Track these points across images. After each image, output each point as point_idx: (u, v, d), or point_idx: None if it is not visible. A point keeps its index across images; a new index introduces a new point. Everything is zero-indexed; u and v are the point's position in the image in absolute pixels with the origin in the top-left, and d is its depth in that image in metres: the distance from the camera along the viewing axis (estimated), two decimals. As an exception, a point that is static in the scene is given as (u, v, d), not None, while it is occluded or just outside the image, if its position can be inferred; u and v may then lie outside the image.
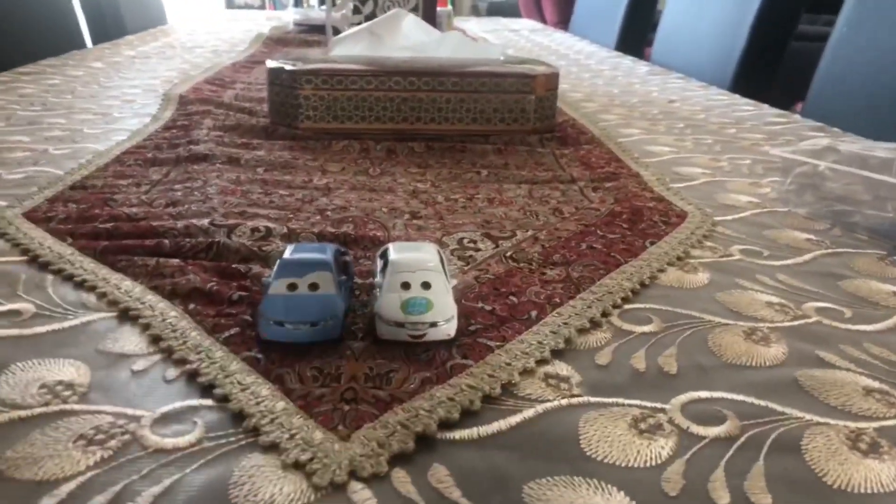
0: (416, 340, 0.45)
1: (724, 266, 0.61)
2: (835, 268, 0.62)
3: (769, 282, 0.58)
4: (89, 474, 0.34)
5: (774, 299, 0.55)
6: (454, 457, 0.36)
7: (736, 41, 1.88)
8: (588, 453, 0.37)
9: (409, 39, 1.19)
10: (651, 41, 2.39)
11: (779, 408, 0.41)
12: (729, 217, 0.74)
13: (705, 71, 1.86)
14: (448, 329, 0.45)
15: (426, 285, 0.45)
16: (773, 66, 1.89)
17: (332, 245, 0.49)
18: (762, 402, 0.41)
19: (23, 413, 0.38)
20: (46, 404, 0.39)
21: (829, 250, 0.66)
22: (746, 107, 1.40)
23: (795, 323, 0.51)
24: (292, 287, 0.45)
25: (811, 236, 0.70)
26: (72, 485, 0.33)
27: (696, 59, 2.04)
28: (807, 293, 0.57)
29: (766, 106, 1.41)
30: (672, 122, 1.23)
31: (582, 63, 2.02)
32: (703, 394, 0.42)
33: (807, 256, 0.64)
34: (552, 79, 1.06)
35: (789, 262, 0.63)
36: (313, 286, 0.45)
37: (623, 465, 0.36)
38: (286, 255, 0.48)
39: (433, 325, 0.44)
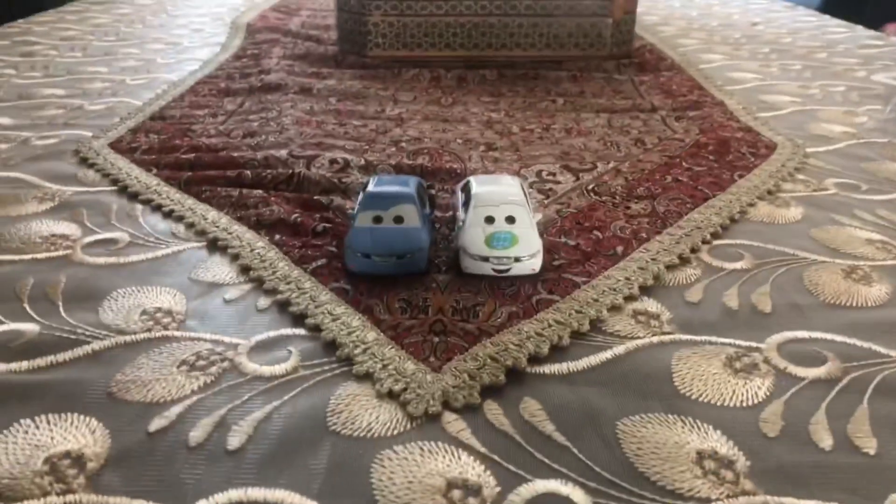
0: (501, 275, 0.44)
1: (819, 201, 0.58)
2: (941, 203, 0.58)
3: (869, 217, 0.55)
4: (194, 398, 0.35)
5: (875, 236, 0.52)
6: (545, 391, 0.36)
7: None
8: (682, 391, 0.36)
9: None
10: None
11: (883, 350, 0.39)
12: (822, 148, 0.70)
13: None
14: (533, 264, 0.44)
15: (510, 219, 0.45)
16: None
17: (414, 178, 0.49)
18: (865, 344, 0.40)
19: (128, 338, 0.40)
20: (149, 330, 0.41)
21: (935, 184, 0.62)
22: (838, 28, 1.30)
23: (899, 262, 0.49)
24: (377, 220, 0.45)
25: (914, 169, 0.65)
26: (179, 407, 0.35)
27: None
28: (911, 230, 0.53)
29: (860, 27, 1.31)
30: (756, 47, 1.16)
31: (656, -17, 1.91)
32: (801, 333, 0.41)
33: (910, 191, 0.61)
34: (631, 1, 1.01)
35: (891, 196, 0.59)
36: (398, 219, 0.45)
37: (719, 403, 0.35)
38: (370, 187, 0.47)
39: (518, 259, 0.44)
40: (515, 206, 0.46)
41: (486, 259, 0.44)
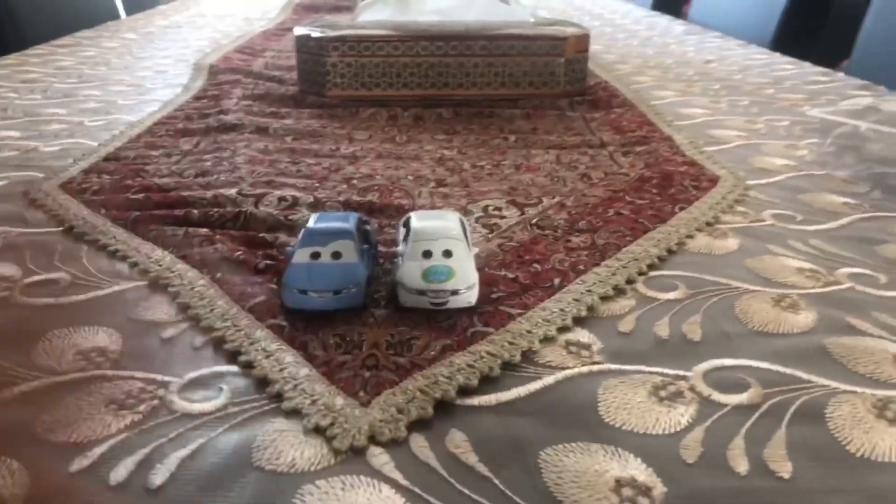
0: (437, 308, 0.45)
1: (755, 231, 0.60)
2: (872, 232, 0.60)
3: (801, 247, 0.57)
4: (120, 437, 0.35)
5: (806, 265, 0.54)
6: (472, 423, 0.36)
7: (778, -4, 1.81)
8: (606, 420, 0.37)
9: (436, 3, 1.17)
10: (690, -1, 2.31)
11: (805, 376, 0.40)
12: (763, 181, 0.72)
13: (746, 29, 1.80)
14: (469, 297, 0.45)
15: (447, 253, 0.45)
16: (817, 23, 1.82)
17: (354, 214, 0.50)
18: (787, 370, 0.41)
19: (59, 378, 0.40)
20: (81, 370, 0.41)
21: (868, 214, 0.64)
22: (787, 66, 1.35)
23: (827, 289, 0.50)
24: (315, 256, 0.45)
25: (849, 200, 0.68)
26: (104, 447, 0.35)
27: (737, 17, 1.97)
28: (840, 259, 0.55)
29: (807, 64, 1.36)
30: (708, 84, 1.19)
31: (617, 23, 1.97)
32: (727, 361, 0.42)
33: (843, 221, 0.63)
34: (583, 40, 1.04)
35: (824, 226, 0.61)
36: (336, 255, 0.45)
37: (641, 432, 0.36)
38: (310, 224, 0.48)
39: (454, 292, 0.44)
40: (453, 240, 0.47)
41: (422, 293, 0.45)
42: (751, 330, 0.45)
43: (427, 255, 0.46)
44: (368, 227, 0.51)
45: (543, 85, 1.02)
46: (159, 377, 0.40)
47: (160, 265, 0.52)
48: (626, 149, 0.81)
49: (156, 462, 0.34)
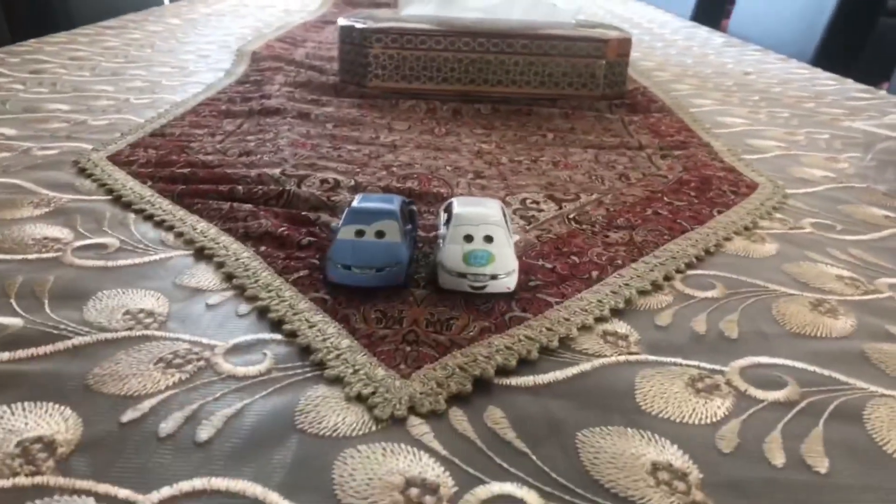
0: (476, 291, 0.45)
1: (794, 238, 0.60)
2: (912, 246, 0.60)
3: (840, 255, 0.57)
4: (168, 393, 0.36)
5: (845, 273, 0.54)
6: (510, 401, 0.37)
7: (820, 15, 1.79)
8: (643, 407, 0.37)
9: (480, 0, 1.18)
10: (729, 13, 2.29)
11: (842, 377, 0.40)
12: (802, 190, 0.72)
13: (786, 45, 1.78)
14: (508, 282, 0.46)
15: (488, 239, 0.46)
16: (859, 43, 1.80)
17: (399, 196, 0.51)
18: (825, 372, 0.41)
19: (109, 335, 0.41)
20: (130, 329, 0.42)
21: (908, 228, 0.64)
22: (828, 81, 1.34)
23: (866, 297, 0.50)
24: (360, 234, 0.46)
25: (889, 213, 0.67)
26: (153, 401, 0.36)
27: (776, 32, 1.96)
28: (880, 269, 0.55)
29: (849, 81, 1.35)
30: (747, 95, 1.19)
31: (655, 32, 1.96)
32: (764, 359, 0.42)
33: (884, 233, 0.62)
34: (624, 44, 1.04)
35: (864, 237, 0.61)
36: (380, 234, 0.46)
37: (678, 420, 0.36)
38: (355, 203, 0.49)
39: (493, 277, 0.45)
40: (494, 226, 0.47)
41: (462, 275, 0.45)
42: (788, 331, 0.45)
43: (468, 239, 0.46)
44: (413, 209, 0.52)
45: (583, 86, 1.03)
46: (205, 340, 0.41)
47: (205, 236, 0.53)
48: (664, 152, 0.81)
49: (202, 418, 0.35)
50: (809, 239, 0.60)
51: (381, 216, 0.47)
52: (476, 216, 0.48)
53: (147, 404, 0.35)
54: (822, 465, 0.33)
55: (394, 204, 0.48)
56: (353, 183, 0.64)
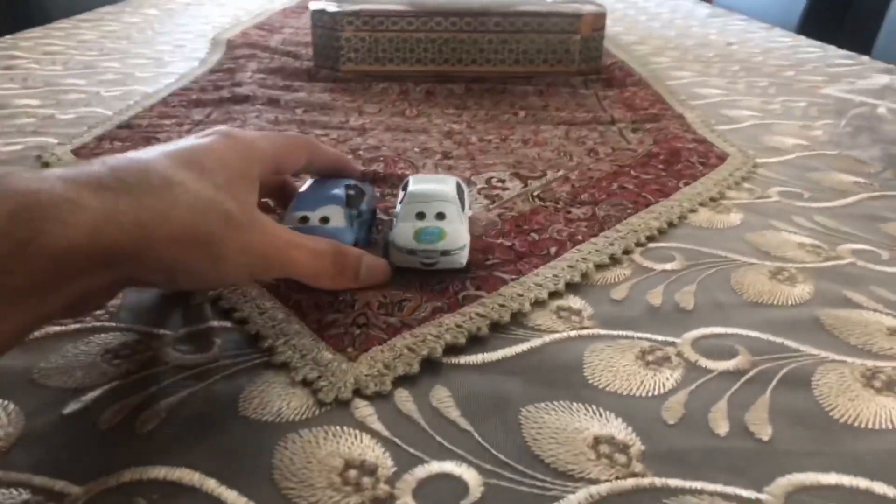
0: (428, 268, 0.45)
1: (760, 207, 0.59)
2: (880, 210, 0.59)
3: (805, 223, 0.56)
4: (114, 384, 0.36)
5: (808, 240, 0.53)
6: (457, 380, 0.37)
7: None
8: (590, 381, 0.37)
9: (453, -21, 1.16)
10: (716, -18, 2.27)
11: (794, 345, 0.40)
12: (773, 159, 0.71)
13: (771, 13, 1.77)
14: (459, 258, 0.45)
15: (440, 216, 0.46)
16: (842, 9, 1.78)
17: (346, 180, 0.50)
18: (778, 339, 0.41)
19: (58, 328, 0.41)
20: (81, 321, 0.42)
21: (877, 193, 0.63)
22: (810, 48, 1.33)
23: (827, 264, 0.50)
24: (304, 220, 0.46)
25: (859, 179, 0.67)
26: (97, 392, 0.36)
27: (762, 2, 1.94)
28: (844, 235, 0.54)
29: (832, 48, 1.33)
30: (726, 65, 1.18)
31: (640, 6, 1.94)
32: (718, 329, 0.42)
33: (850, 199, 0.62)
34: (599, 18, 1.03)
35: (830, 203, 0.60)
36: (324, 219, 0.46)
37: (624, 393, 0.36)
38: (301, 189, 0.49)
39: (444, 253, 0.45)
40: (446, 202, 0.47)
41: (413, 252, 0.45)
42: (745, 300, 0.45)
43: (420, 216, 0.46)
44: (366, 190, 0.51)
45: (558, 62, 1.02)
46: (155, 330, 0.41)
47: (164, 226, 0.53)
48: (636, 125, 0.81)
49: (146, 409, 0.35)
50: (775, 208, 0.59)
51: (326, 201, 0.47)
52: (428, 193, 0.47)
53: (90, 396, 0.35)
54: (765, 433, 0.33)
55: (339, 188, 0.48)
56: (316, 168, 0.64)
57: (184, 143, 0.36)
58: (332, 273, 0.42)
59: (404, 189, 0.50)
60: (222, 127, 0.40)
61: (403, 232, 0.45)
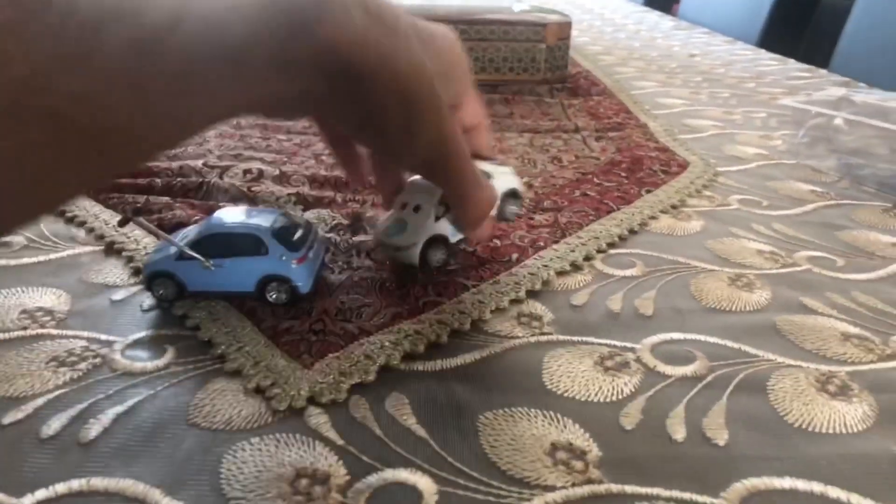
0: (394, 260, 0.45)
1: (720, 215, 0.60)
2: (835, 219, 0.60)
3: (764, 231, 0.57)
4: (57, 392, 0.35)
5: (766, 247, 0.54)
6: (414, 387, 0.36)
7: (766, -3, 1.81)
8: (549, 387, 0.37)
9: (420, -13, 1.17)
10: (680, -4, 2.31)
11: (751, 350, 0.40)
12: (733, 168, 0.72)
13: (732, 27, 1.80)
14: (409, 256, 0.44)
15: (416, 208, 0.45)
16: (801, 27, 1.82)
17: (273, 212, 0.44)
18: (735, 345, 0.41)
19: (1, 336, 0.39)
20: (24, 328, 0.40)
21: (833, 202, 0.64)
22: (770, 61, 1.36)
23: (784, 270, 0.50)
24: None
25: (816, 188, 0.68)
26: (39, 401, 0.34)
27: (724, 15, 1.98)
28: (801, 242, 0.55)
29: (791, 61, 1.36)
30: (689, 76, 1.20)
31: (606, 17, 1.97)
32: (676, 335, 0.42)
33: (808, 207, 0.63)
34: (565, 27, 1.04)
35: (788, 212, 0.61)
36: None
37: (583, 399, 0.36)
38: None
39: (397, 249, 0.44)
40: (427, 195, 0.45)
41: (380, 244, 0.45)
42: (704, 306, 0.45)
43: (402, 207, 0.45)
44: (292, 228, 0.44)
45: (524, 71, 1.02)
46: (104, 337, 0.40)
47: (116, 230, 0.52)
48: (599, 134, 0.81)
49: (90, 417, 0.33)
50: (734, 215, 0.60)
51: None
52: (417, 184, 0.46)
53: (32, 405, 0.34)
54: (722, 438, 0.33)
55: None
56: (277, 172, 0.63)
57: (423, 23, 0.35)
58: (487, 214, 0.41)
59: None
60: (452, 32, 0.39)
61: (382, 223, 0.45)
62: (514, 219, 0.49)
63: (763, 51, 1.48)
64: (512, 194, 0.47)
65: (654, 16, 2.02)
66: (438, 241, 0.45)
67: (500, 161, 0.49)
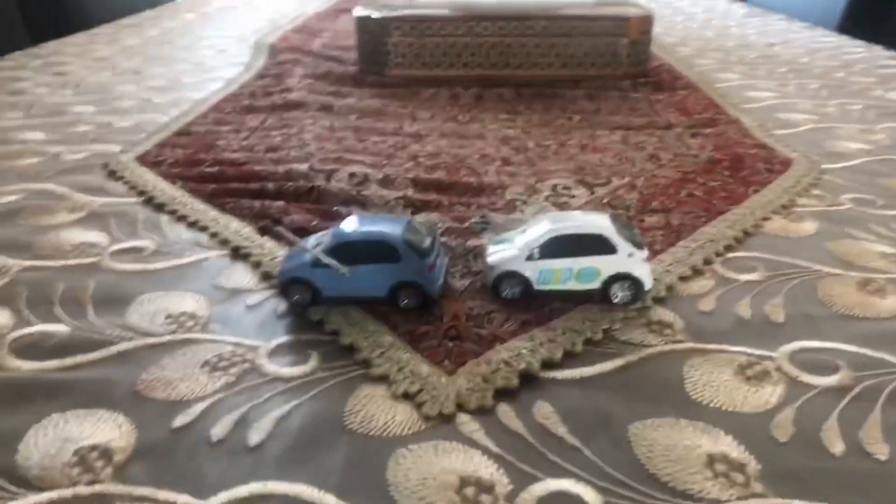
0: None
1: (833, 215, 0.58)
2: (957, 219, 0.58)
3: (884, 232, 0.55)
4: (216, 396, 0.36)
5: (889, 250, 0.52)
6: (557, 395, 0.37)
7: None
8: (693, 397, 0.36)
9: (497, -17, 1.16)
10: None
11: (894, 360, 0.39)
12: (838, 165, 0.70)
13: (810, 12, 1.74)
14: (484, 278, 0.46)
15: (510, 239, 0.46)
16: (884, 8, 1.75)
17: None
18: (877, 354, 0.40)
19: (153, 340, 0.41)
20: (173, 332, 0.42)
21: (951, 200, 0.62)
22: (856, 49, 1.31)
23: (913, 275, 0.49)
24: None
25: (930, 186, 0.65)
26: (203, 405, 0.36)
27: (799, 0, 1.91)
28: (926, 244, 0.53)
29: (878, 48, 1.31)
30: (773, 67, 1.16)
31: (675, 6, 1.93)
32: (813, 343, 0.41)
33: (925, 207, 0.61)
34: (646, 21, 1.02)
35: (906, 212, 0.59)
36: None
37: (730, 409, 0.36)
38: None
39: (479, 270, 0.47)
40: (517, 231, 0.47)
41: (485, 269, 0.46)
42: (835, 313, 0.44)
43: (503, 240, 0.47)
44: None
45: (606, 66, 1.01)
46: (247, 341, 0.41)
47: (239, 235, 0.53)
48: (693, 130, 0.80)
49: (252, 422, 0.35)
50: (849, 216, 0.58)
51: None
52: (515, 221, 0.48)
53: (197, 409, 0.36)
54: (883, 452, 0.33)
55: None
56: (381, 176, 0.64)
57: None
58: None
59: None
60: None
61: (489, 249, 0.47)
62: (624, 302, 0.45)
63: (846, 38, 1.43)
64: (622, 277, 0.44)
65: (723, 3, 1.97)
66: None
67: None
